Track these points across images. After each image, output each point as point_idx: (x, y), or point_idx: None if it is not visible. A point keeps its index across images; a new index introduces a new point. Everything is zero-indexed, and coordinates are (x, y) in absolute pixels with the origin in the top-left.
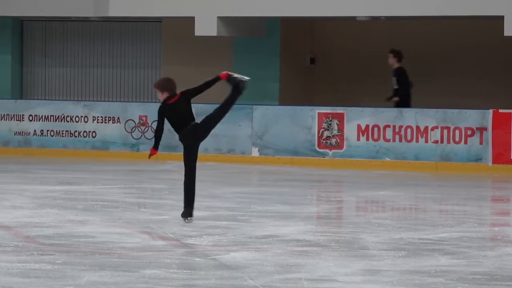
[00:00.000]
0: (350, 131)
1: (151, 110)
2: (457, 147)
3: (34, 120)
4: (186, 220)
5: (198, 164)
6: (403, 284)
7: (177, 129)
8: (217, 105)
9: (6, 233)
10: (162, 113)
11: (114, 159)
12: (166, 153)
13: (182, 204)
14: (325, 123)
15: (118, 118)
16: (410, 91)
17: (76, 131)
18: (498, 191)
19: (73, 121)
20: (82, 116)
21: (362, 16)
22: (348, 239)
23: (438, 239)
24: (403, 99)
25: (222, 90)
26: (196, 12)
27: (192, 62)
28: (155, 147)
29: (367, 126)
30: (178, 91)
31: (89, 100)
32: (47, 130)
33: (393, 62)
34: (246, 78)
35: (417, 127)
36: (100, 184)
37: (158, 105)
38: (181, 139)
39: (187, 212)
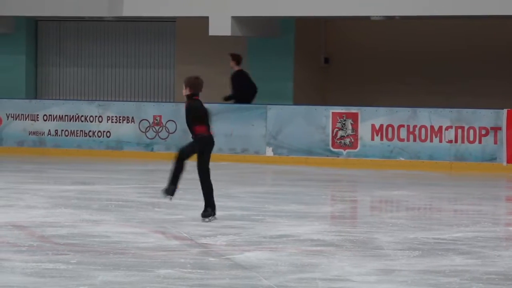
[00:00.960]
0: (364, 130)
1: (165, 110)
2: (472, 147)
3: (48, 120)
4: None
5: (212, 163)
6: (418, 284)
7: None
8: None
9: (21, 232)
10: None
11: (128, 159)
12: None
13: (195, 203)
14: (339, 122)
15: (133, 117)
16: (250, 94)
17: (90, 131)
18: None
19: (87, 121)
20: (96, 116)
21: (376, 16)
22: (363, 238)
23: (453, 239)
24: (240, 102)
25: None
26: (210, 12)
27: (206, 62)
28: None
29: (381, 125)
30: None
31: (103, 100)
32: (62, 130)
33: (232, 66)
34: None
35: (431, 127)
36: (115, 184)
37: (172, 104)
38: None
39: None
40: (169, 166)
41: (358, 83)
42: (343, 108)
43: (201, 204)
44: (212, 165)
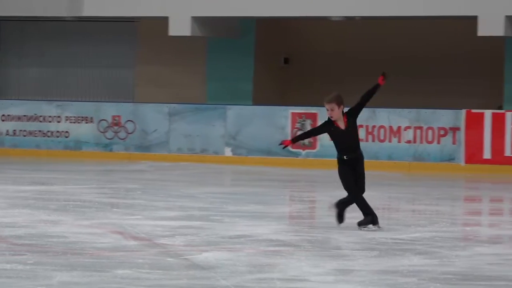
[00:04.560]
0: None
1: (124, 110)
2: (430, 147)
3: (7, 120)
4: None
5: (171, 163)
6: (376, 284)
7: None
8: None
9: None
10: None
11: (87, 159)
12: (138, 153)
13: (154, 204)
14: (299, 123)
15: (91, 118)
16: None
17: (49, 131)
18: (470, 191)
19: (46, 121)
20: (55, 116)
21: (336, 16)
22: (321, 239)
23: (411, 239)
24: None
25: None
26: (170, 12)
27: (167, 62)
28: (292, 140)
29: None
30: (153, 91)
31: (62, 100)
32: (20, 130)
33: None
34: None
35: (390, 127)
36: (73, 184)
37: (131, 105)
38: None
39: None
40: (127, 167)
41: (318, 83)
42: (302, 108)
43: (159, 204)
44: (171, 165)
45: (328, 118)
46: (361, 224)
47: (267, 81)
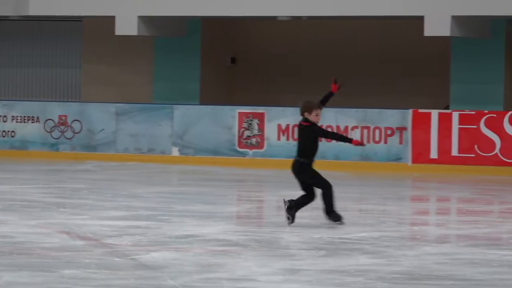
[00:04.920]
0: (270, 130)
1: (71, 110)
2: (377, 147)
3: None
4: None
5: (118, 163)
6: (323, 284)
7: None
8: None
9: None
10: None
11: (33, 159)
12: (85, 153)
13: (101, 203)
14: (246, 122)
15: (38, 117)
16: None
17: None
18: (417, 190)
19: None
20: (1, 116)
21: (283, 16)
22: (268, 238)
23: (358, 238)
24: None
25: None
26: (117, 11)
27: (113, 61)
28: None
29: (288, 125)
30: (100, 91)
31: (8, 100)
32: None
33: None
34: None
35: (337, 127)
36: (19, 184)
37: (77, 104)
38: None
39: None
40: (74, 167)
41: (265, 83)
42: (249, 108)
43: (106, 204)
44: (118, 165)
45: (313, 123)
46: (336, 220)
47: (214, 81)
